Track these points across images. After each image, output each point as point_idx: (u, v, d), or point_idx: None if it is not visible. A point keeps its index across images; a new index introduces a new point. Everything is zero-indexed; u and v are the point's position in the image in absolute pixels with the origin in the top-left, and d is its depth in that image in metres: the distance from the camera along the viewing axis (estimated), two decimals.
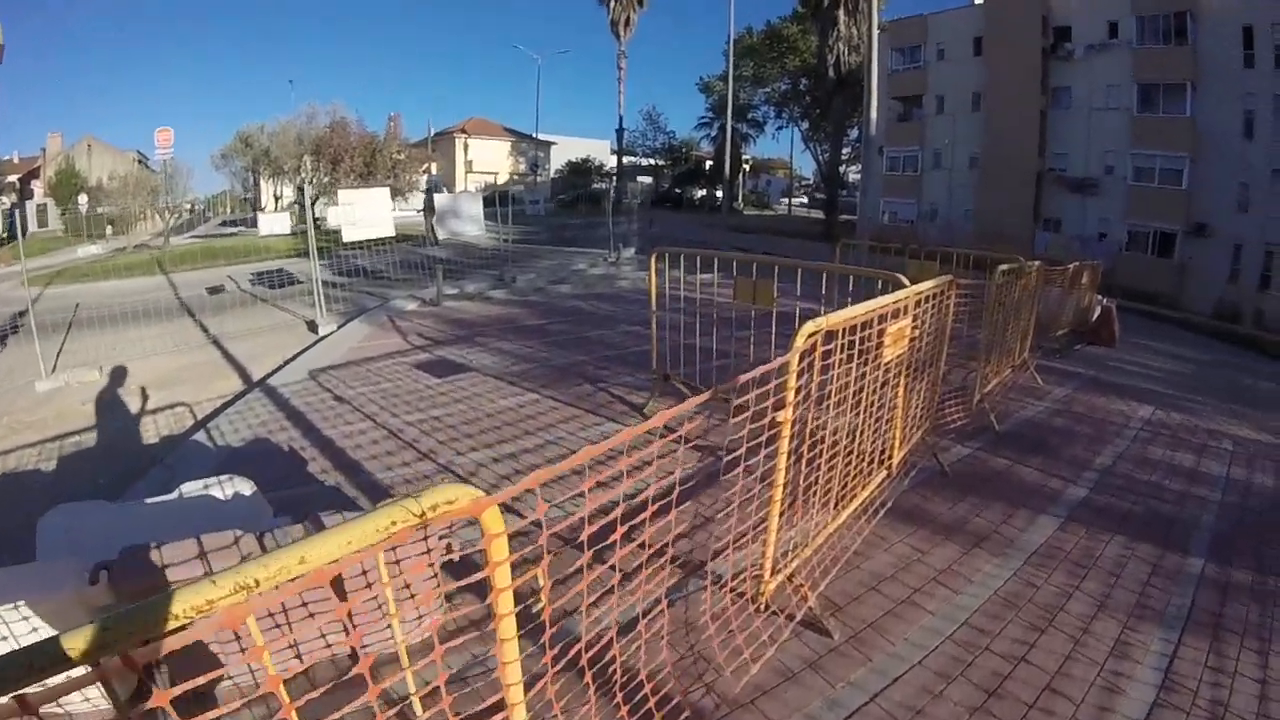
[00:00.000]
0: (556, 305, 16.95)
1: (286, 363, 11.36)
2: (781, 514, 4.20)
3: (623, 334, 13.11)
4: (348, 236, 16.48)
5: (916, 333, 5.52)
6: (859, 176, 57.45)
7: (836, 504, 4.74)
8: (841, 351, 4.19)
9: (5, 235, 51.41)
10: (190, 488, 4.54)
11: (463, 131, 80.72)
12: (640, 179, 78.49)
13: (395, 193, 40.25)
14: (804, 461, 4.26)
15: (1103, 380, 11.27)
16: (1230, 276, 33.16)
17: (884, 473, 5.81)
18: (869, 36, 30.47)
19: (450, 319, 14.85)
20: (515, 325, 14.12)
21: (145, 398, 10.78)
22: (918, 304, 5.45)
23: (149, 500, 4.62)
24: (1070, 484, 6.85)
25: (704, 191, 78.22)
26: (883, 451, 5.74)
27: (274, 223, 19.52)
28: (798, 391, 3.90)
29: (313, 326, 14.74)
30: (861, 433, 4.87)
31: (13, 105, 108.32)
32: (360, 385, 9.61)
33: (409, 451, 7.25)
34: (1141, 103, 36.73)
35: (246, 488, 4.66)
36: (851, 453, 4.86)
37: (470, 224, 20.24)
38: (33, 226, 58.81)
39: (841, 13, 41.58)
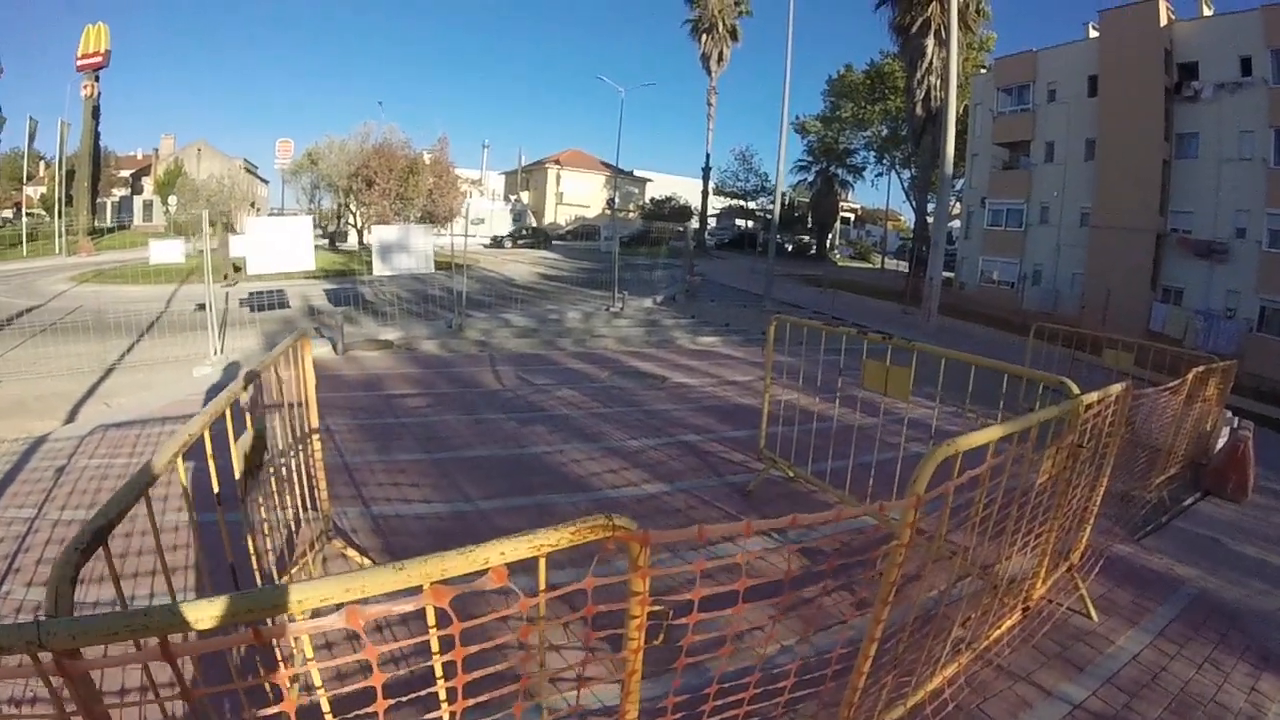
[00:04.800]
0: (460, 370, 13.73)
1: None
2: None
3: (470, 426, 9.68)
4: (253, 269, 15.09)
5: None
6: (959, 226, 52.42)
7: None
8: None
9: (114, 226, 57.21)
10: None
11: (556, 163, 79.38)
12: (735, 221, 75.41)
13: (431, 219, 37.67)
14: None
15: (1220, 599, 6.01)
16: None
17: None
18: (948, 61, 25.47)
19: (326, 375, 12.01)
20: (372, 396, 11.34)
21: None
22: None
23: None
24: None
25: (800, 239, 73.84)
26: None
27: (166, 250, 16.95)
28: None
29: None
30: None
31: (133, 106, 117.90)
32: (78, 457, 7.91)
33: None
34: None
35: None
36: None
37: (418, 259, 16.87)
38: (139, 220, 64.52)
39: (931, 41, 36.50)
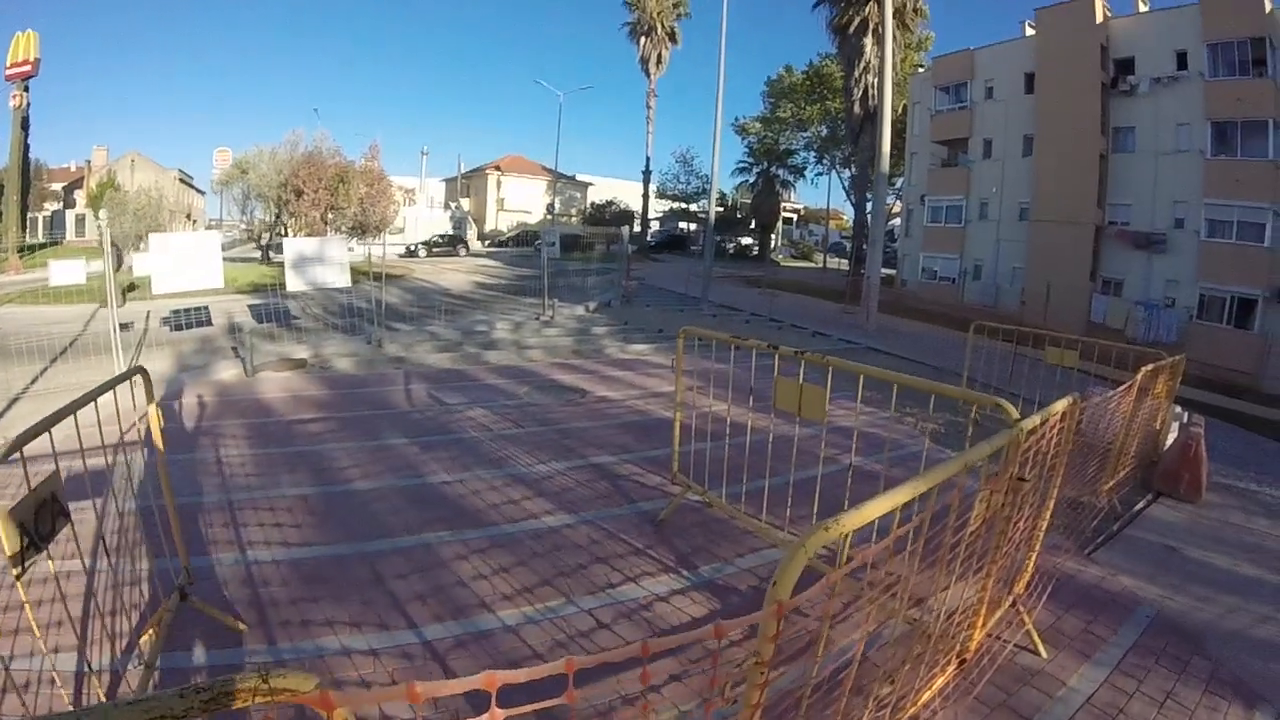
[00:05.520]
0: (371, 390, 12.75)
1: None
2: None
3: (369, 454, 8.81)
4: (158, 288, 14.09)
5: None
6: (899, 224, 52.55)
7: None
8: None
9: (47, 241, 53.94)
10: None
11: (496, 169, 78.29)
12: (678, 224, 74.93)
13: (363, 229, 36.57)
14: None
15: (1178, 618, 5.45)
16: None
17: None
18: (884, 57, 25.12)
19: (230, 400, 11.68)
20: (272, 422, 10.39)
21: None
22: None
23: None
24: None
25: (740, 240, 73.45)
26: None
27: (66, 271, 15.69)
28: None
29: None
30: None
31: (66, 116, 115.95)
32: None
33: None
34: (1216, 144, 30.78)
35: None
36: None
37: (334, 272, 16.02)
38: (71, 235, 62.72)
39: (869, 40, 36.32)
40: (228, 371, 13.85)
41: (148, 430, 4.66)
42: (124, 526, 5.88)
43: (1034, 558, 4.80)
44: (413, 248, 52.79)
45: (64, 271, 15.83)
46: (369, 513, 6.79)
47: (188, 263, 14.13)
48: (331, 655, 4.52)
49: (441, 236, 56.98)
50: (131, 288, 20.46)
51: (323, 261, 16.40)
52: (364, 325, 18.19)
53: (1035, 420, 3.67)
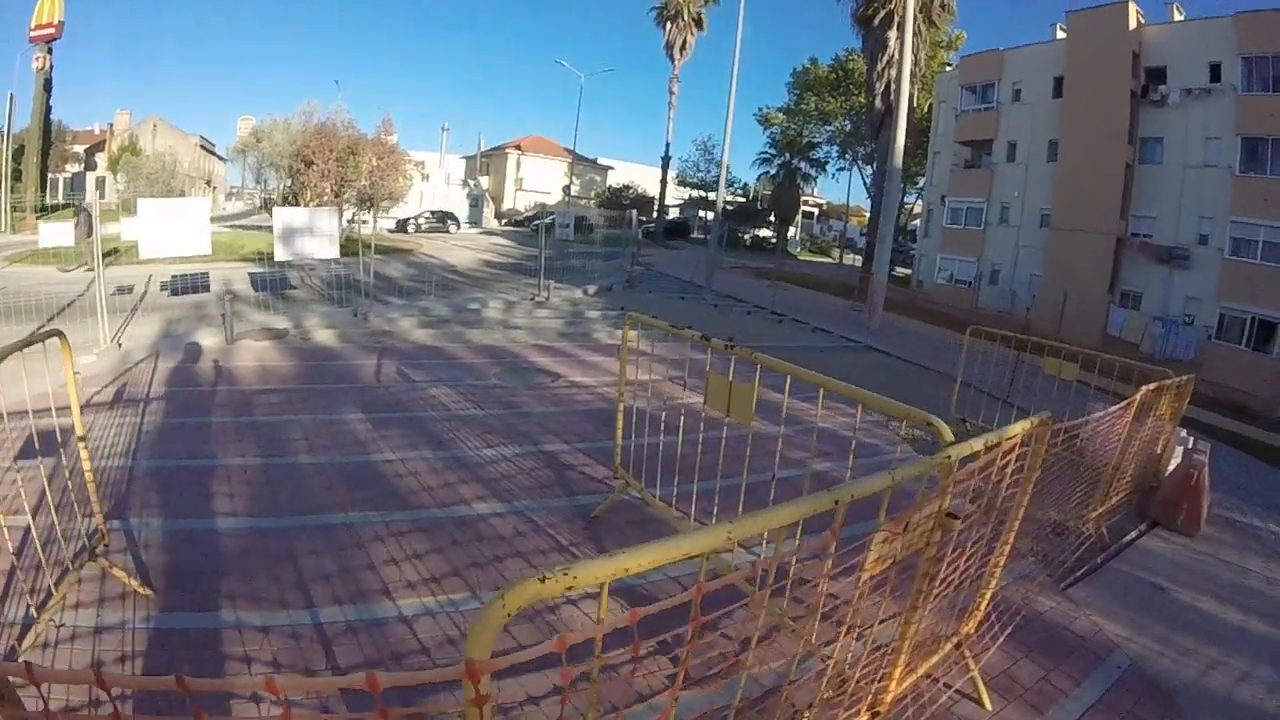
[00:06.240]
0: (343, 363, 12.56)
1: None
2: None
3: (321, 428, 8.48)
4: (145, 253, 13.96)
5: None
6: (919, 224, 51.88)
7: None
8: None
9: (66, 203, 53.22)
10: None
11: (516, 148, 77.48)
12: (698, 212, 74.09)
13: (370, 203, 36.26)
14: None
15: (1155, 670, 4.83)
16: None
17: None
18: (903, 49, 24.42)
19: (201, 368, 11.58)
20: (236, 391, 10.20)
21: None
22: None
23: None
24: None
25: (758, 232, 72.37)
26: None
27: (56, 233, 16.27)
28: None
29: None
30: None
31: (89, 80, 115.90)
32: None
33: None
34: (1245, 160, 29.99)
35: None
36: None
37: (323, 243, 16.09)
38: (91, 198, 60.68)
39: (893, 34, 35.37)
40: (208, 339, 13.55)
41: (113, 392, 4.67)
42: (57, 487, 5.61)
43: (988, 595, 4.22)
44: (402, 223, 52.10)
45: (53, 233, 15.82)
46: (304, 488, 6.58)
47: (175, 229, 13.91)
48: (224, 628, 4.39)
49: (432, 213, 56.12)
50: (114, 251, 20.20)
51: (312, 233, 16.12)
52: (354, 297, 17.82)
53: (976, 444, 3.06)
